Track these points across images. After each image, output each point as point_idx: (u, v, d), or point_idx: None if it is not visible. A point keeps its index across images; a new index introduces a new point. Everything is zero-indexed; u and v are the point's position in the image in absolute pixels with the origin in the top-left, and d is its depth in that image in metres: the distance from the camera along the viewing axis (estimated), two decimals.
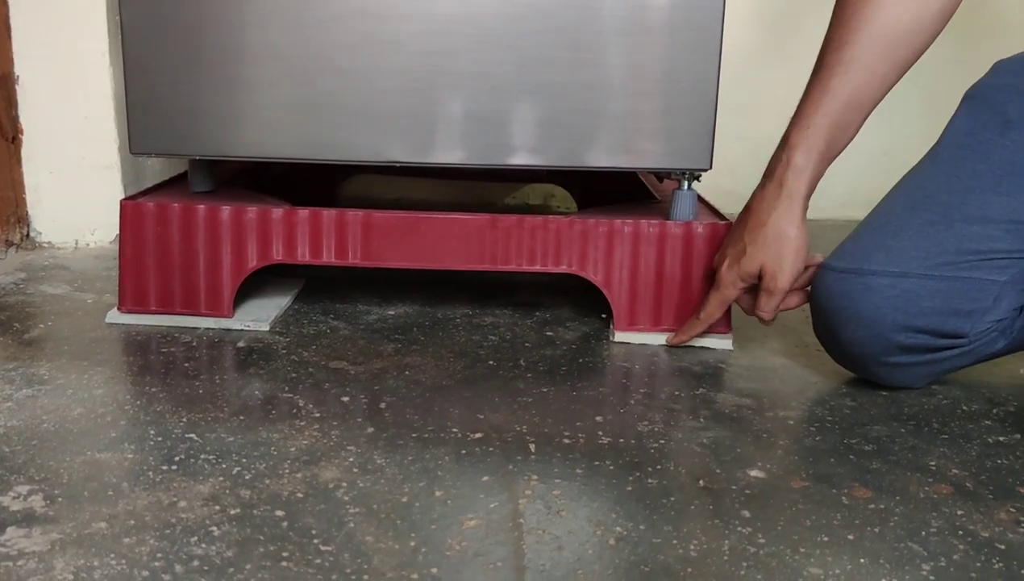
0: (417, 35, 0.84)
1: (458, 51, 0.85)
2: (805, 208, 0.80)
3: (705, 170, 0.88)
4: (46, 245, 1.17)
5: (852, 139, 0.81)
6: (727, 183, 1.52)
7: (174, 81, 0.86)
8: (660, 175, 1.02)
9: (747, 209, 0.83)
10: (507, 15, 0.84)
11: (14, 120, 1.12)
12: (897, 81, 0.80)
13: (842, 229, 0.86)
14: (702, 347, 0.89)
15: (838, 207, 1.53)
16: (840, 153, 0.81)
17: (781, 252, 0.80)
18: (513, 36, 0.84)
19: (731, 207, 1.54)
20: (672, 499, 0.61)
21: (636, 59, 0.85)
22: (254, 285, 0.95)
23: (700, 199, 0.98)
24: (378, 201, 1.44)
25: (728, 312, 0.90)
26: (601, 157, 0.87)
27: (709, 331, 0.90)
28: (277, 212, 0.89)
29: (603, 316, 0.97)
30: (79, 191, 1.15)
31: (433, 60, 0.85)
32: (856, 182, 1.53)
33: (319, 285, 1.04)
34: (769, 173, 0.81)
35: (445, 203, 1.47)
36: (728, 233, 0.86)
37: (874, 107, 0.80)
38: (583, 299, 1.02)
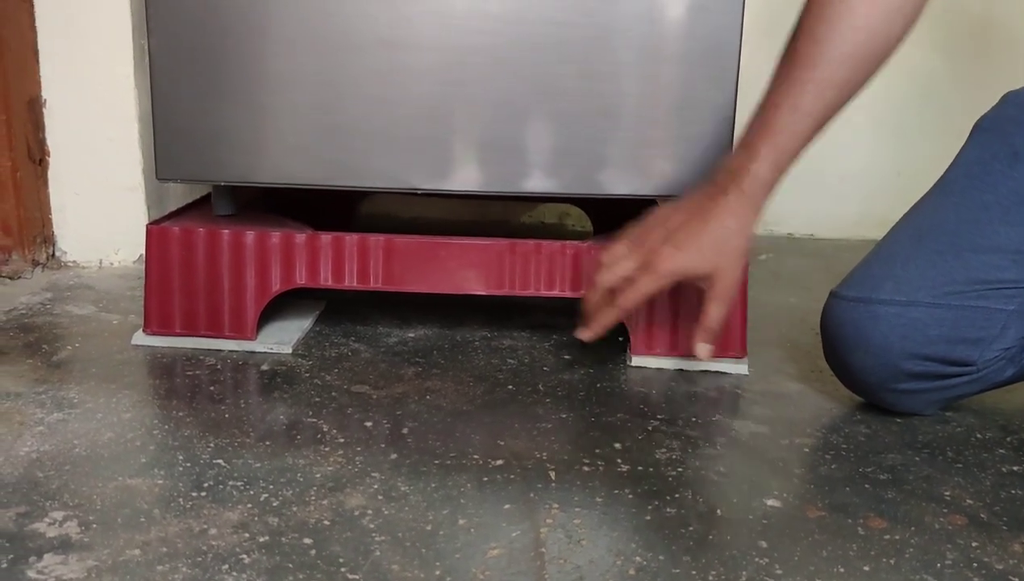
0: (437, 64, 0.86)
1: (477, 80, 0.86)
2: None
3: None
4: (71, 264, 1.19)
5: None
6: None
7: (200, 109, 0.88)
8: None
9: (701, 209, 0.78)
10: (525, 44, 0.85)
11: (41, 143, 1.14)
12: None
13: (856, 249, 0.88)
14: (717, 372, 0.91)
15: (851, 227, 1.54)
16: None
17: (738, 263, 0.79)
18: (531, 65, 0.86)
19: None
20: (690, 529, 0.62)
21: (652, 87, 0.87)
22: (276, 306, 0.97)
23: None
24: (396, 220, 1.46)
25: (743, 335, 0.91)
26: (617, 183, 0.89)
27: (725, 355, 0.91)
28: (300, 237, 0.91)
29: (620, 339, 0.99)
30: (104, 211, 1.17)
31: (453, 89, 0.86)
32: (870, 202, 1.54)
33: (340, 306, 1.06)
34: (733, 178, 0.78)
35: (462, 221, 1.49)
36: (661, 220, 0.80)
37: None
38: None
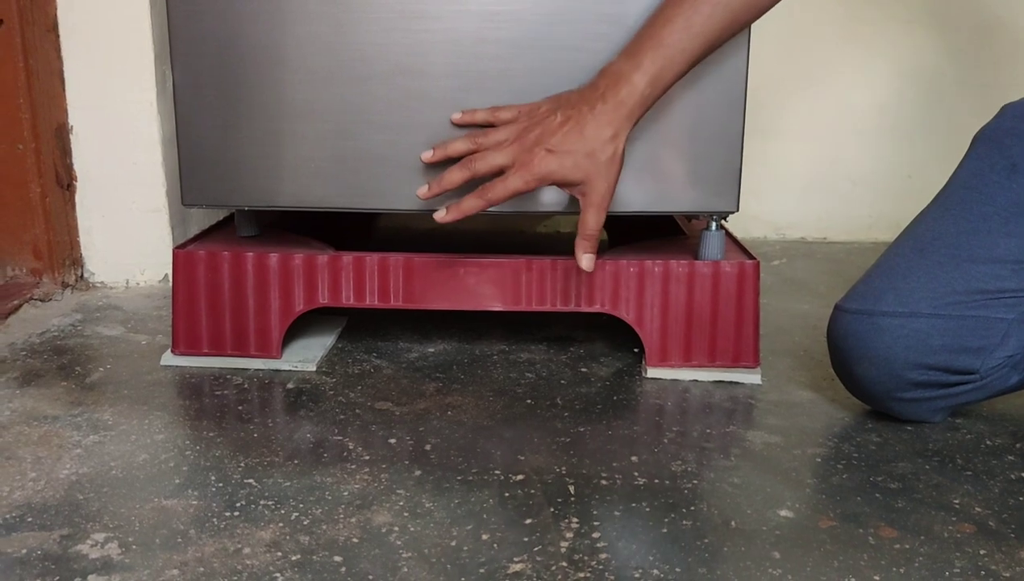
0: (454, 91, 0.88)
1: (492, 104, 0.88)
2: None
3: (733, 212, 0.91)
4: (99, 285, 1.23)
5: None
6: (753, 208, 1.56)
7: (223, 138, 0.90)
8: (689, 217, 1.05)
9: (579, 115, 0.79)
10: (537, 70, 0.88)
11: (69, 168, 1.18)
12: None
13: (868, 251, 0.90)
14: (731, 382, 0.93)
15: (864, 230, 1.56)
16: None
17: (609, 172, 0.80)
18: (544, 89, 0.87)
19: (757, 231, 1.58)
20: (706, 541, 0.65)
21: (664, 110, 0.89)
22: (300, 322, 0.99)
23: (728, 235, 1.01)
24: (413, 231, 1.48)
25: (756, 345, 0.93)
26: (631, 202, 0.91)
27: (738, 365, 0.93)
28: (322, 258, 0.94)
29: (635, 350, 1.01)
30: (129, 233, 1.20)
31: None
32: (881, 205, 1.55)
33: (361, 321, 1.09)
34: (613, 85, 0.79)
35: (478, 232, 1.52)
36: (540, 117, 0.81)
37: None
38: (615, 332, 1.06)
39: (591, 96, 0.80)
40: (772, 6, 0.81)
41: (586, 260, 0.83)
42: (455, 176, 0.83)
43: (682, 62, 0.79)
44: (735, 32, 0.81)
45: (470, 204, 0.83)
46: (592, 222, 0.82)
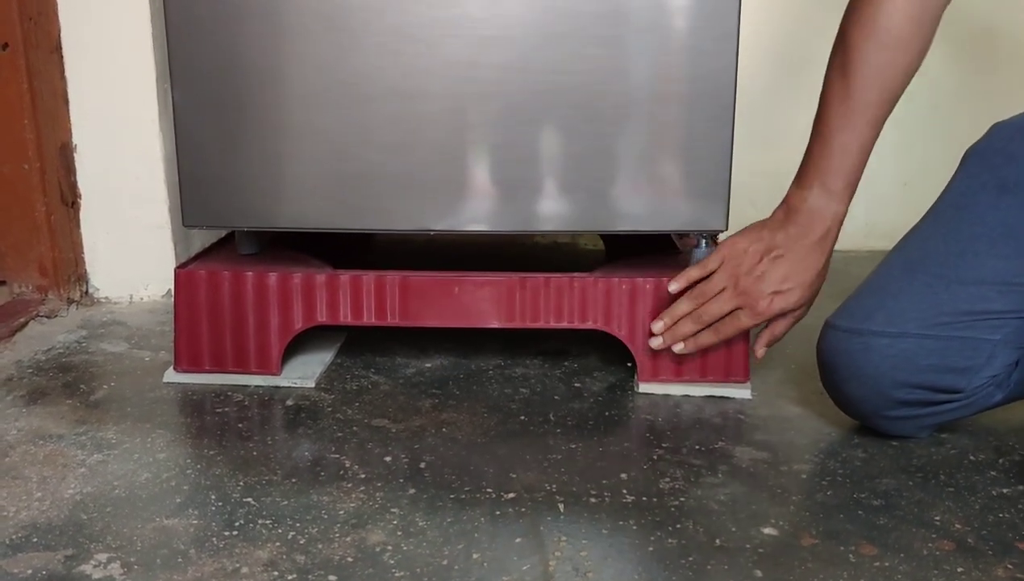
0: (447, 111, 0.90)
1: (486, 125, 0.90)
2: None
3: (721, 231, 0.93)
4: (103, 300, 1.25)
5: None
6: (750, 215, 1.57)
7: (222, 159, 0.93)
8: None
9: (792, 252, 0.88)
10: (531, 91, 0.89)
11: (73, 186, 1.20)
12: None
13: (864, 260, 0.91)
14: (722, 397, 0.94)
15: (860, 238, 1.57)
16: None
17: (817, 293, 0.91)
18: (537, 110, 0.90)
19: None
20: (690, 559, 0.66)
21: (655, 131, 0.90)
22: (300, 338, 1.01)
23: None
24: (412, 243, 1.50)
25: (746, 361, 0.95)
26: (623, 221, 0.93)
27: (728, 380, 0.95)
28: (320, 277, 0.95)
29: (628, 364, 1.03)
30: (133, 249, 1.23)
31: (463, 134, 0.91)
32: (877, 213, 1.56)
33: (360, 337, 1.10)
34: (818, 218, 0.87)
35: (476, 243, 1.53)
36: (751, 258, 0.89)
37: None
38: (609, 346, 1.07)
39: (797, 233, 0.88)
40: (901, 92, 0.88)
41: (762, 352, 0.93)
42: (687, 328, 0.91)
43: (858, 175, 0.87)
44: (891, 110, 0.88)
45: (706, 338, 0.91)
46: (784, 331, 0.92)
